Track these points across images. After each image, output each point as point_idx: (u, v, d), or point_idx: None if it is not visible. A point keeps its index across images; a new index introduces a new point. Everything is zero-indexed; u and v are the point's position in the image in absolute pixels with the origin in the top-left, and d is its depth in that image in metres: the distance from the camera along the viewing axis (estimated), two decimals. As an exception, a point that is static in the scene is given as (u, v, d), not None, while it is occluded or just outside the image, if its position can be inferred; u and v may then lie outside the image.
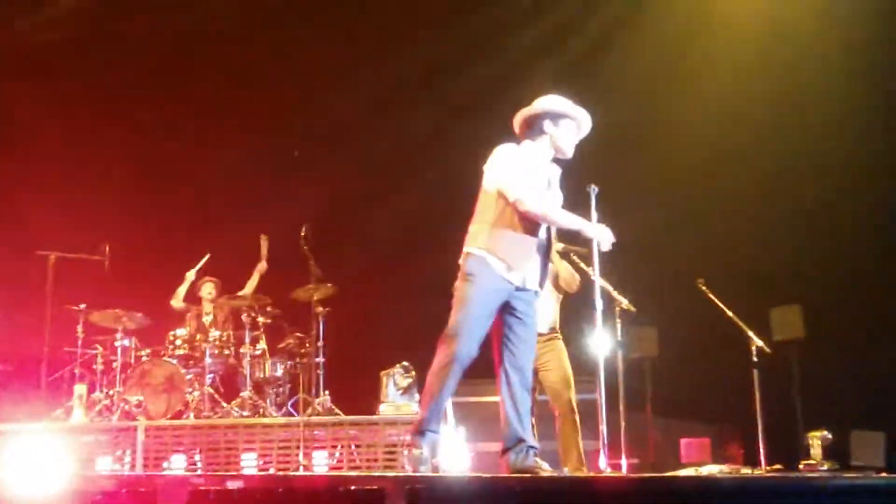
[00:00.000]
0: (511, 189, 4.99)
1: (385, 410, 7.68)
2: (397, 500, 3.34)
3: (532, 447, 4.96)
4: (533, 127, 5.21)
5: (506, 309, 5.00)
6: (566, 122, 5.20)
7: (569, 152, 5.24)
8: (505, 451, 4.97)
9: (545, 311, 6.64)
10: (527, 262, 5.01)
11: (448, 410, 6.80)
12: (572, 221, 5.13)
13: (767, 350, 7.18)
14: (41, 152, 10.17)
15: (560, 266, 6.66)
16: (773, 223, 9.57)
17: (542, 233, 5.10)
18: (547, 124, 5.18)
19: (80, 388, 8.13)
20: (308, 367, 8.54)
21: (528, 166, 5.10)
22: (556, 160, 5.27)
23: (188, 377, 8.27)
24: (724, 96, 9.50)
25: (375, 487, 3.43)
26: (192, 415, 8.09)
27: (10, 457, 6.88)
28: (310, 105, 10.38)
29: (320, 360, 8.52)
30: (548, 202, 5.10)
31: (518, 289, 4.99)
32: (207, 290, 9.24)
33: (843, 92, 9.08)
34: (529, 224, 5.01)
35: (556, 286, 6.72)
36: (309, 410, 7.98)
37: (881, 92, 9.13)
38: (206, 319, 9.08)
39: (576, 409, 6.47)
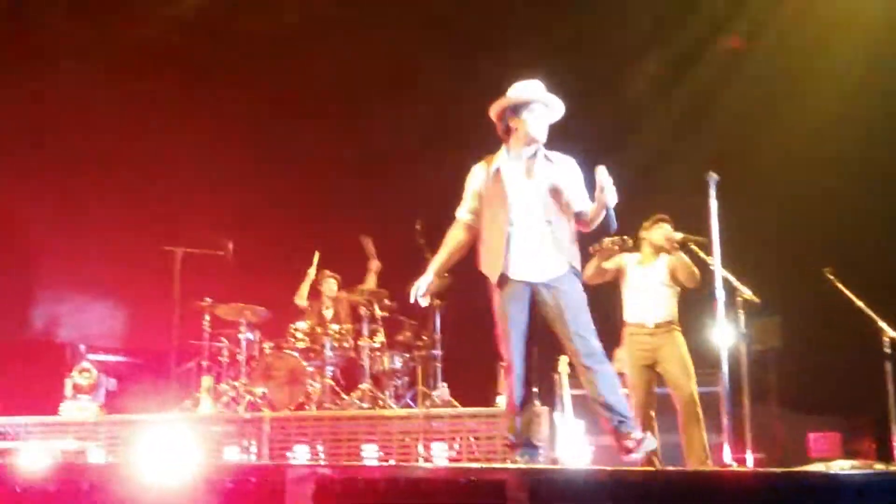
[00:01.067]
0: None
1: (503, 402, 7.68)
2: (519, 492, 3.33)
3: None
4: (502, 120, 5.20)
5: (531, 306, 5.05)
6: (531, 108, 5.13)
7: (540, 137, 5.14)
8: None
9: (658, 303, 6.60)
10: (503, 256, 5.01)
11: (566, 402, 6.76)
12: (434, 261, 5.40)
13: (901, 339, 6.90)
14: (167, 149, 10.48)
15: (677, 261, 6.57)
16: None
17: (519, 227, 5.06)
18: (511, 117, 5.15)
19: (207, 380, 8.40)
20: (426, 359, 8.62)
21: (475, 186, 5.26)
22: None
23: (309, 370, 8.45)
24: (853, 84, 9.14)
25: (497, 479, 3.42)
26: (314, 406, 8.25)
27: (142, 446, 7.15)
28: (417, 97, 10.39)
29: (437, 352, 8.60)
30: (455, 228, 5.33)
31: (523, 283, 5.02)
32: (329, 286, 9.41)
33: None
34: (498, 226, 5.07)
35: (674, 279, 6.63)
36: (427, 402, 8.06)
37: None
38: (327, 313, 9.26)
39: (698, 402, 6.38)
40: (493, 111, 5.22)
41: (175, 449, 6.89)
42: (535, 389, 5.15)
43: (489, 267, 5.10)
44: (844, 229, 9.24)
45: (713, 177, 5.54)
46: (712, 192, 5.50)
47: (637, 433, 4.90)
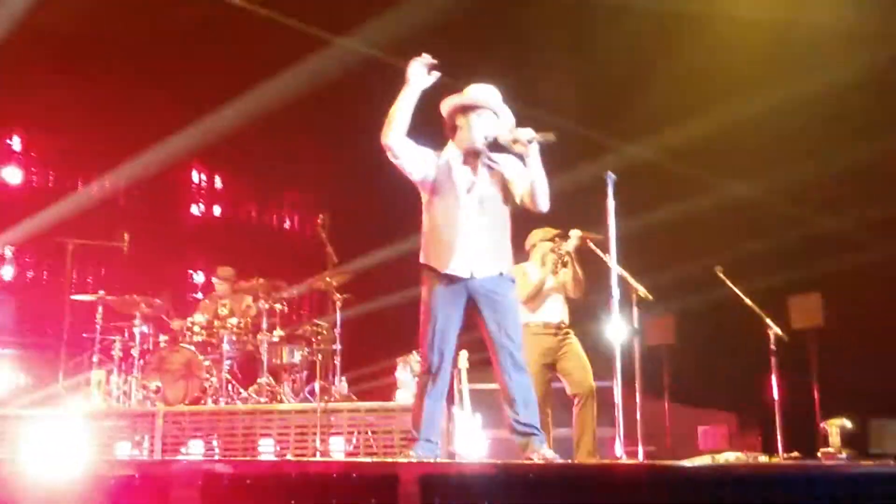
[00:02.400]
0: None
1: (401, 397, 7.71)
2: (411, 486, 3.34)
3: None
4: (450, 117, 5.21)
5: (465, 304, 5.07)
6: (480, 113, 5.14)
7: (475, 143, 5.12)
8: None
9: (553, 306, 6.80)
10: (454, 252, 5.01)
11: (465, 397, 6.82)
12: (403, 96, 5.02)
13: (786, 338, 7.16)
14: (65, 138, 10.22)
15: (570, 275, 6.78)
16: (792, 210, 9.49)
17: (462, 220, 5.05)
18: (459, 117, 5.17)
19: (98, 374, 8.18)
20: (325, 353, 8.57)
21: (426, 154, 5.13)
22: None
23: (206, 363, 8.31)
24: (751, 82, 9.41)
25: (389, 473, 3.42)
26: (209, 401, 8.13)
27: (30, 442, 6.94)
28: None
29: (337, 346, 8.55)
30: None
31: (461, 280, 5.03)
32: (221, 280, 9.27)
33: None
34: (450, 221, 5.05)
35: (563, 289, 6.86)
36: (326, 397, 8.01)
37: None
38: (222, 310, 9.11)
39: (595, 396, 6.58)
40: (444, 107, 5.19)
41: (63, 445, 6.71)
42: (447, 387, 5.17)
43: (435, 259, 5.06)
44: (735, 228, 9.54)
45: (611, 176, 5.65)
46: (610, 191, 5.60)
47: (545, 451, 4.96)
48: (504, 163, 5.20)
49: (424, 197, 5.19)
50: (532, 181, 5.07)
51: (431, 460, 4.92)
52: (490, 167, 5.16)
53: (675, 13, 9.39)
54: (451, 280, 5.03)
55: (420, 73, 5.01)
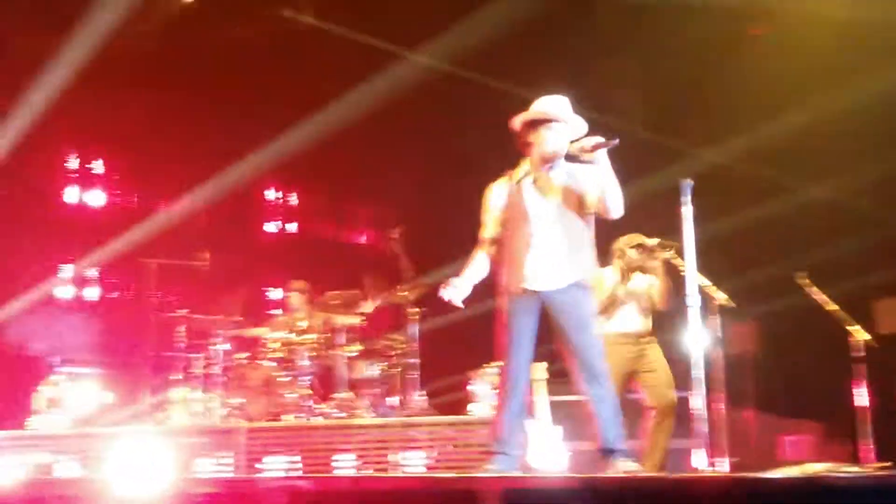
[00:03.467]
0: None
1: (477, 410, 7.68)
2: (490, 500, 3.32)
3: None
4: (522, 134, 5.21)
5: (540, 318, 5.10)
6: (550, 126, 5.13)
7: (555, 155, 5.13)
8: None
9: (630, 315, 6.74)
10: (525, 268, 5.05)
11: (543, 408, 6.76)
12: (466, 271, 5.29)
13: (874, 343, 6.97)
14: (144, 159, 10.44)
15: (649, 288, 6.69)
16: (876, 211, 9.24)
17: (534, 236, 5.09)
18: (530, 132, 5.16)
19: (180, 392, 8.31)
20: (403, 367, 8.59)
21: (495, 205, 5.30)
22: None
23: (285, 379, 8.39)
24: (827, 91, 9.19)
25: (468, 488, 3.41)
26: (290, 416, 8.20)
27: (115, 458, 7.08)
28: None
29: (415, 360, 8.56)
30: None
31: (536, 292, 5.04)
32: (295, 296, 9.37)
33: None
34: (521, 241, 5.10)
35: (650, 298, 6.76)
36: (405, 411, 8.02)
37: None
38: (301, 323, 9.19)
39: (675, 410, 6.49)
40: (515, 124, 5.22)
41: (148, 462, 6.83)
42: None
43: (511, 279, 5.12)
44: (818, 233, 9.32)
45: (687, 182, 5.57)
46: (687, 198, 5.52)
47: (628, 465, 4.91)
48: (577, 172, 5.18)
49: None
50: (603, 188, 5.04)
51: (510, 474, 4.90)
52: (563, 178, 5.14)
53: (744, 14, 9.26)
54: (526, 294, 5.04)
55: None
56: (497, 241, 5.28)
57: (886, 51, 8.83)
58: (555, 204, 5.10)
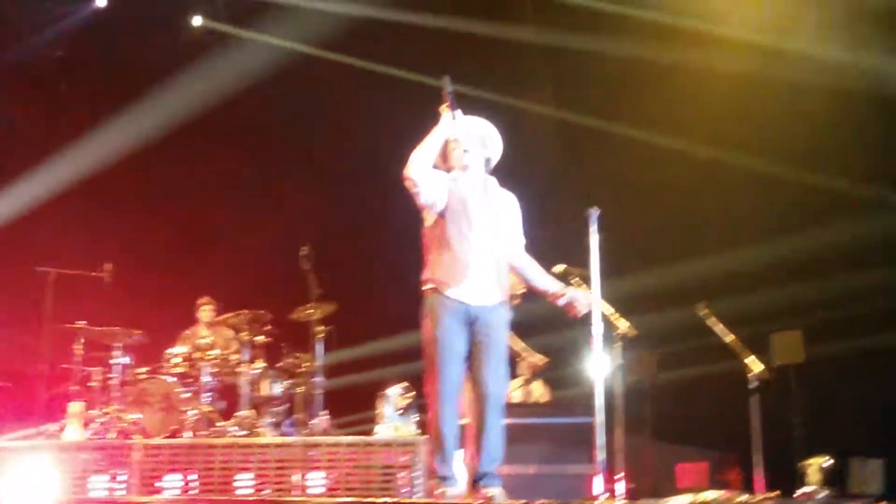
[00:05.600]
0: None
1: (382, 431, 7.66)
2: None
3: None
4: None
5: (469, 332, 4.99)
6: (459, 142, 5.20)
7: (461, 167, 5.18)
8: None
9: None
10: (466, 279, 4.96)
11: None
12: (432, 137, 5.07)
13: (767, 375, 7.18)
14: (42, 168, 10.18)
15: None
16: (776, 248, 9.53)
17: (475, 247, 5.02)
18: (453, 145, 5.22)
19: (75, 406, 8.09)
20: (307, 386, 8.52)
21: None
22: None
23: (185, 396, 8.24)
24: (726, 115, 9.50)
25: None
26: (189, 434, 8.05)
27: (5, 474, 6.84)
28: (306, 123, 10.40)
29: (319, 379, 8.50)
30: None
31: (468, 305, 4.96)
32: (205, 312, 9.26)
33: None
34: (463, 244, 5.00)
35: None
36: (306, 430, 7.94)
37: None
38: (203, 340, 9.05)
39: None
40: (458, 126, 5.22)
41: (38, 478, 6.62)
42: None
43: (444, 280, 4.96)
44: (719, 266, 9.57)
45: (595, 210, 5.67)
46: (593, 227, 5.62)
47: (498, 493, 4.85)
48: (505, 195, 5.24)
49: (431, 219, 5.12)
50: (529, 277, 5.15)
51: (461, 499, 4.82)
52: (498, 191, 5.19)
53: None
54: (453, 304, 4.94)
55: (449, 119, 5.09)
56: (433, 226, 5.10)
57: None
58: (491, 217, 5.09)
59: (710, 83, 9.56)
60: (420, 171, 4.98)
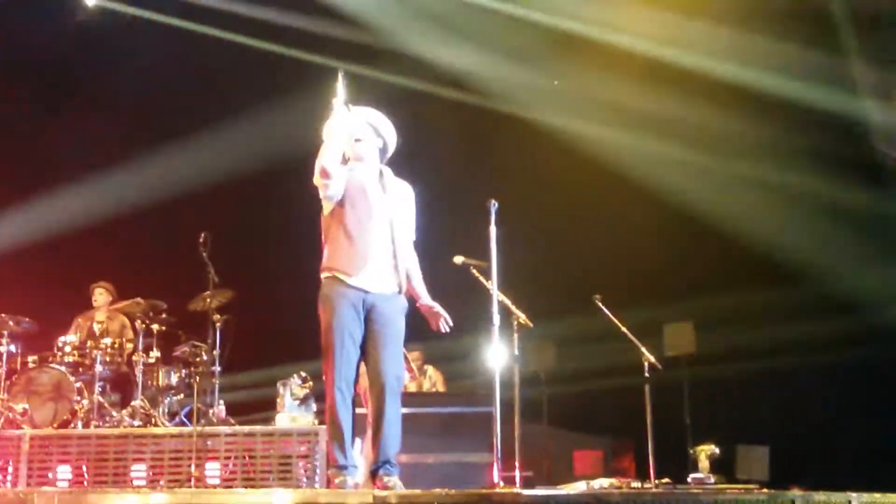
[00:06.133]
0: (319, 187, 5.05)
1: (281, 421, 7.61)
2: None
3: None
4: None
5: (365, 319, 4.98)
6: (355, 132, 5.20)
7: (356, 155, 5.19)
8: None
9: None
10: (365, 267, 4.97)
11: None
12: (332, 135, 5.05)
13: (659, 365, 7.36)
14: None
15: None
16: (669, 240, 9.78)
17: (373, 236, 5.02)
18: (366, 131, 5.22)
19: (-40, 396, 7.82)
20: (204, 375, 8.40)
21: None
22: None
23: (77, 385, 8.03)
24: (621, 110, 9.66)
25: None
26: (80, 424, 7.86)
27: None
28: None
29: (216, 368, 8.39)
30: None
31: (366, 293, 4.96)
32: (99, 295, 9.03)
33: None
34: (361, 230, 5.00)
35: None
36: (203, 420, 7.85)
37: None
38: (97, 327, 8.85)
39: None
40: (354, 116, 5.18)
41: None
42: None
43: (342, 268, 4.94)
44: (614, 257, 9.78)
45: (494, 204, 5.73)
46: (492, 219, 5.68)
47: (396, 482, 4.88)
48: (401, 185, 5.24)
49: (329, 207, 5.07)
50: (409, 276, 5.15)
51: (356, 489, 4.81)
52: (393, 181, 5.20)
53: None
54: (351, 290, 4.92)
55: (344, 112, 5.07)
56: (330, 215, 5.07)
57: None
58: (388, 204, 5.07)
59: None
60: (330, 173, 4.97)
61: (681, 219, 9.51)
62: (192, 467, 7.02)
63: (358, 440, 5.09)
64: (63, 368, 8.08)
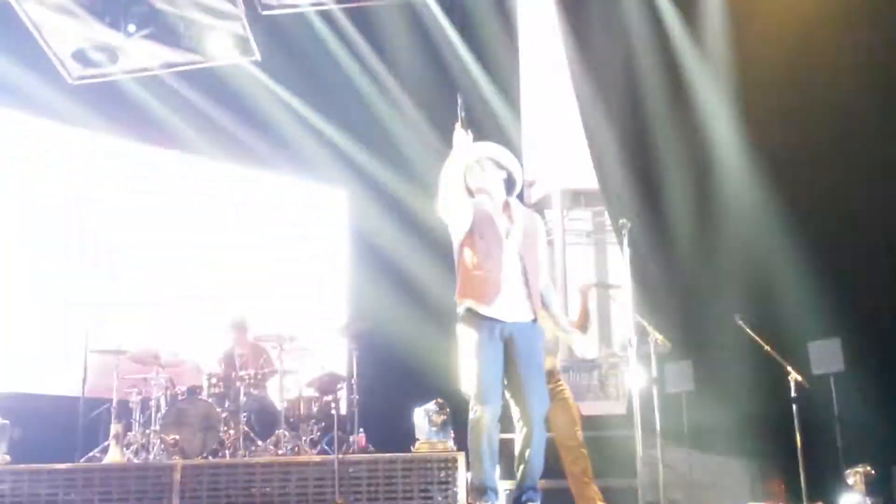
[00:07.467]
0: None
1: (420, 448, 7.67)
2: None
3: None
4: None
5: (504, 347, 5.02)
6: (479, 162, 5.23)
7: (482, 190, 5.21)
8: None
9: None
10: (499, 296, 4.99)
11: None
12: (453, 162, 5.08)
13: (806, 384, 7.11)
14: None
15: (570, 338, 6.51)
16: (813, 257, 9.38)
17: (503, 266, 5.04)
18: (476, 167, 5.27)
19: (115, 427, 8.14)
20: (342, 404, 8.54)
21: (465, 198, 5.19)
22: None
23: (223, 415, 8.29)
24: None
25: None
26: (227, 453, 8.09)
27: (47, 497, 6.90)
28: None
29: (355, 396, 8.53)
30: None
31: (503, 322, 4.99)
32: (239, 328, 9.29)
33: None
34: (494, 261, 5.03)
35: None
36: (343, 448, 7.96)
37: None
38: (238, 359, 9.10)
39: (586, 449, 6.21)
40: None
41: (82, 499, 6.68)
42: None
43: (475, 297, 5.01)
44: (755, 275, 9.45)
45: (626, 224, 5.67)
46: (625, 240, 5.61)
47: None
48: (532, 215, 5.26)
49: (458, 238, 5.14)
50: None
51: None
52: (523, 211, 5.21)
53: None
54: (488, 320, 4.98)
55: (466, 140, 5.13)
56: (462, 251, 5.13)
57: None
58: (517, 235, 5.11)
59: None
60: (452, 201, 5.06)
61: (826, 234, 9.09)
62: (336, 494, 7.13)
63: (497, 466, 5.09)
64: (210, 400, 8.35)
